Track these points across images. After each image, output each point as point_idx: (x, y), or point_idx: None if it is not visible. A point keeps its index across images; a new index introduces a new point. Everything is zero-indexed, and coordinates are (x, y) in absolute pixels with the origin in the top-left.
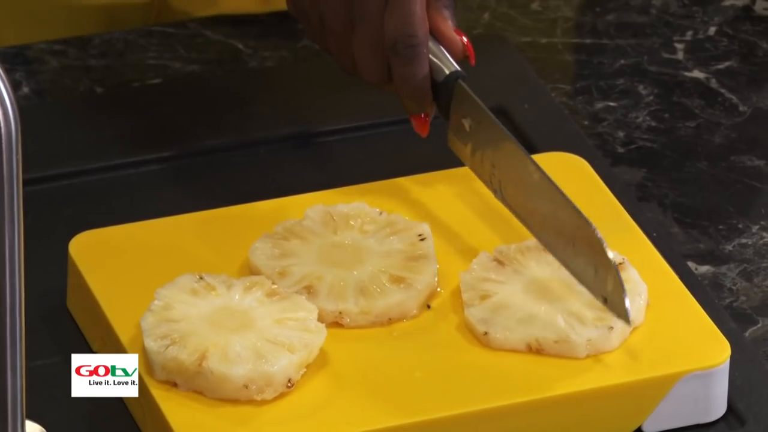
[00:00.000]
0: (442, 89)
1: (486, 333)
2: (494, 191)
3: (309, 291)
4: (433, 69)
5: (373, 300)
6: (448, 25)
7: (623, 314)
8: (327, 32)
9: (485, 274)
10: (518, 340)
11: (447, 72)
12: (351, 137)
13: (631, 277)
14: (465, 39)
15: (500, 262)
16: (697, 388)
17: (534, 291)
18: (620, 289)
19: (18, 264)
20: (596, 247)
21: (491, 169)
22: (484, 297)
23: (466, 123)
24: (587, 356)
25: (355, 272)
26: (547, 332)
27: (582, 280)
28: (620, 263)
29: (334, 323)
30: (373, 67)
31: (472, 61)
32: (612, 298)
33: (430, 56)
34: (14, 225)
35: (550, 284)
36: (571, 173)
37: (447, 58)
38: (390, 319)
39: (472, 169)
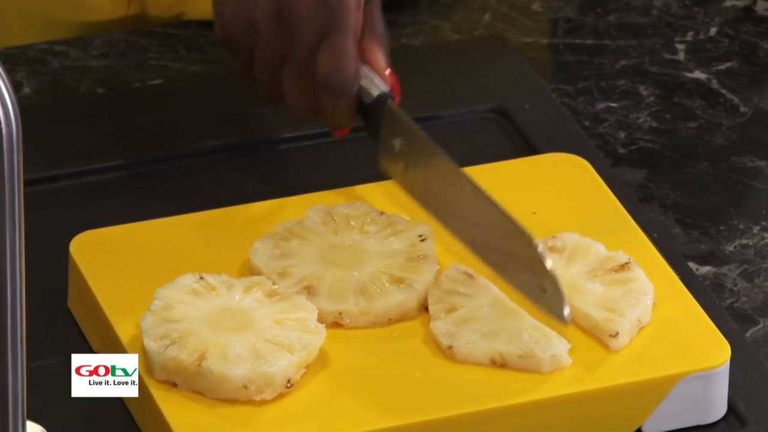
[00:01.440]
0: (370, 111)
1: (450, 347)
2: (428, 210)
3: (309, 291)
4: (362, 91)
5: (373, 300)
6: (379, 60)
7: (560, 316)
8: (257, 63)
9: (454, 287)
10: (482, 354)
11: (375, 94)
12: (351, 138)
13: (637, 276)
14: (391, 75)
15: (470, 275)
16: (697, 389)
17: (501, 305)
18: (558, 291)
19: (19, 264)
20: (532, 253)
21: (424, 188)
22: (450, 310)
23: (396, 143)
24: (552, 371)
25: (355, 273)
26: (512, 347)
27: (522, 290)
28: (626, 263)
29: (334, 324)
30: (301, 100)
31: (396, 100)
32: (549, 300)
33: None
34: (15, 225)
35: (516, 299)
36: (572, 174)
37: (375, 80)
38: (390, 319)
39: (405, 190)
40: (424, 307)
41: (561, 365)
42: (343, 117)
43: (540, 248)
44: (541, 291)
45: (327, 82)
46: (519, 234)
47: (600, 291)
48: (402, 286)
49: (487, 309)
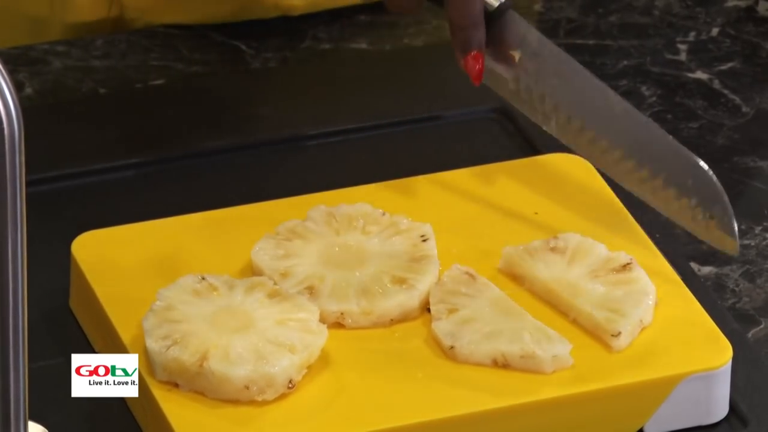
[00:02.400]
0: (490, 20)
1: (452, 347)
2: (546, 124)
3: (311, 291)
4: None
5: (375, 301)
6: None
7: (731, 234)
8: None
9: (455, 288)
10: (484, 354)
11: (496, 3)
12: (353, 138)
13: (639, 277)
14: None
15: (471, 276)
16: (699, 389)
17: (502, 306)
18: (728, 210)
19: (21, 264)
20: (701, 174)
21: (545, 101)
22: (452, 311)
23: (516, 54)
24: (553, 371)
25: (357, 273)
26: (514, 347)
27: (674, 210)
28: (628, 263)
29: (336, 324)
30: None
31: None
32: (719, 219)
33: None
34: (17, 225)
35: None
36: (574, 174)
37: None
38: (392, 319)
39: (514, 102)
40: (426, 308)
41: (563, 365)
42: (472, 12)
43: (709, 170)
44: (709, 218)
45: None
46: (680, 154)
47: (602, 291)
48: (404, 286)
49: (488, 309)
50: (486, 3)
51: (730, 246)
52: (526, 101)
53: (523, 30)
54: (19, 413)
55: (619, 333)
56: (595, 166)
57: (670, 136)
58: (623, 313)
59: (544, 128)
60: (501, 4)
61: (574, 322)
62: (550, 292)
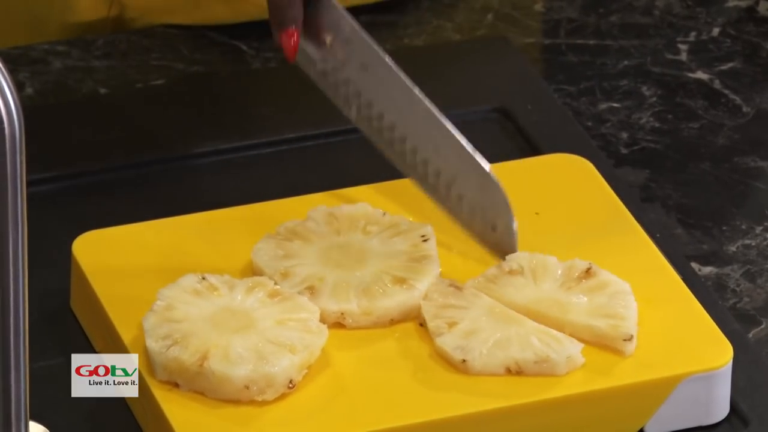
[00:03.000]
0: (308, 1)
1: (464, 360)
2: (347, 109)
3: (311, 292)
4: None
5: (375, 301)
6: None
7: (511, 238)
8: None
9: (445, 301)
10: (498, 364)
11: None
12: (354, 138)
13: (609, 279)
14: None
15: (457, 287)
16: (699, 390)
17: (498, 314)
18: (508, 212)
19: (21, 264)
20: (489, 187)
21: (348, 86)
22: (451, 324)
23: (328, 37)
24: (567, 373)
25: (357, 273)
26: (527, 353)
27: (462, 214)
28: (588, 268)
29: (336, 324)
30: None
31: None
32: (500, 225)
33: None
34: (18, 225)
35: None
36: (574, 174)
37: None
38: (392, 319)
39: (321, 84)
40: (419, 323)
41: (576, 365)
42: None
43: (493, 176)
44: (491, 229)
45: None
46: (473, 164)
47: (585, 301)
48: (404, 286)
49: (486, 319)
50: None
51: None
52: (332, 84)
53: (338, 16)
54: (20, 413)
55: (631, 336)
56: (385, 155)
57: (466, 142)
58: (622, 317)
59: (345, 113)
60: None
61: (573, 335)
62: (534, 313)
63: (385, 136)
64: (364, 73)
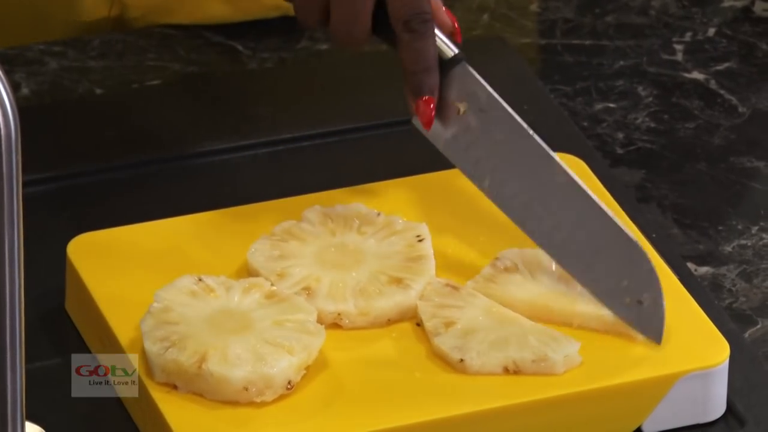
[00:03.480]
0: (443, 69)
1: (462, 360)
2: (479, 184)
3: (308, 292)
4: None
5: (372, 301)
6: (439, 4)
7: (657, 331)
8: None
9: (442, 301)
10: (495, 364)
11: (451, 54)
12: (349, 138)
13: None
14: (453, 19)
15: (453, 287)
16: (696, 388)
17: (495, 313)
18: (660, 303)
19: (17, 266)
20: (636, 259)
21: (481, 162)
22: (448, 324)
23: (462, 106)
24: (565, 372)
25: (353, 273)
26: (525, 353)
27: (601, 293)
28: None
29: (333, 325)
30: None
31: (459, 39)
32: (648, 310)
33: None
34: (14, 226)
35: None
36: None
37: (446, 41)
38: (389, 320)
39: (449, 154)
40: (416, 323)
41: (574, 364)
42: (429, 60)
43: (648, 255)
44: (637, 303)
45: (409, 21)
46: (619, 234)
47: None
48: (400, 286)
49: (483, 318)
50: (441, 51)
51: (654, 337)
52: (462, 156)
53: (473, 84)
54: (16, 414)
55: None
56: (523, 231)
57: (612, 216)
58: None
59: (476, 185)
60: (455, 55)
61: (580, 328)
62: (541, 308)
63: (519, 213)
64: (498, 146)
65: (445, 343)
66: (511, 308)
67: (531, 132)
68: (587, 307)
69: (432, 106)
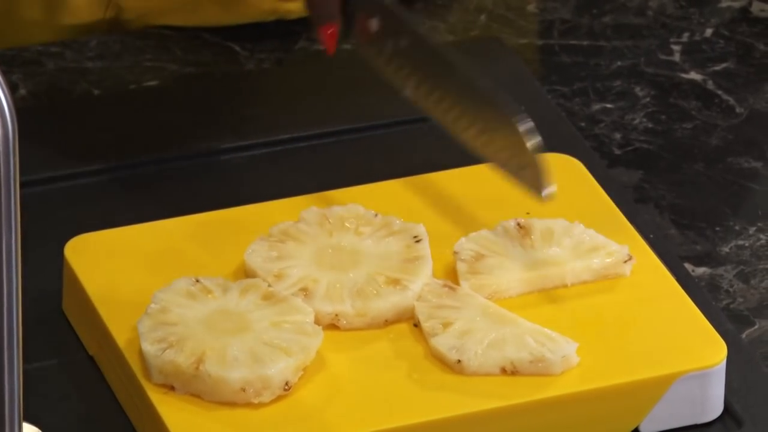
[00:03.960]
0: None
1: (459, 361)
2: (402, 91)
3: (305, 293)
4: None
5: (369, 302)
6: None
7: (539, 186)
8: None
9: (439, 301)
10: (493, 364)
11: None
12: (346, 139)
13: (552, 225)
14: None
15: (451, 287)
16: (693, 388)
17: (493, 314)
18: (536, 165)
19: (15, 266)
20: (517, 135)
21: (400, 67)
22: (446, 324)
23: (373, 23)
24: (562, 373)
25: (350, 274)
26: (522, 353)
27: (500, 163)
28: (525, 225)
29: (331, 325)
30: None
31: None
32: (529, 172)
33: None
34: (11, 227)
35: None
36: (566, 175)
37: None
38: (386, 320)
39: (384, 74)
40: (413, 324)
41: (571, 365)
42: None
43: (522, 125)
44: (520, 168)
45: None
46: (500, 111)
47: (567, 249)
48: (398, 287)
49: (480, 319)
50: None
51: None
52: (390, 71)
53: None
54: (13, 415)
55: (630, 255)
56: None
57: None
58: (606, 245)
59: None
60: None
61: (573, 284)
62: (535, 280)
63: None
64: (406, 52)
65: (442, 343)
66: (509, 291)
67: (422, 29)
68: (576, 263)
69: (332, 32)
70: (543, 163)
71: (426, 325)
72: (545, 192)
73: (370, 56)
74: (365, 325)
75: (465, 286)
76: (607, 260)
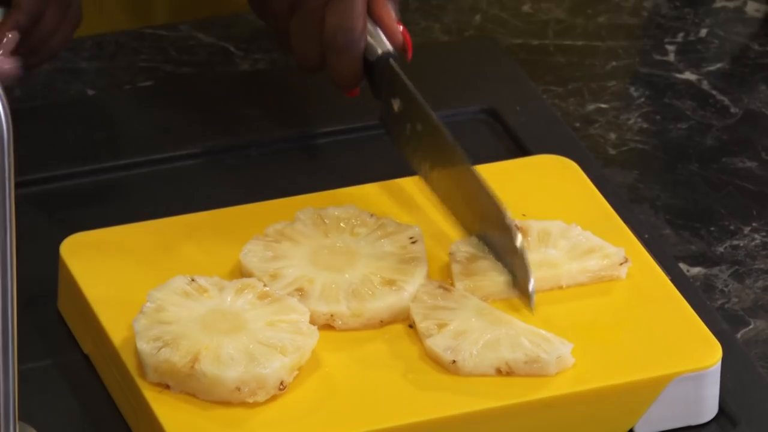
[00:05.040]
0: (374, 69)
1: (454, 361)
2: (422, 174)
3: (301, 293)
4: (368, 49)
5: (365, 302)
6: (390, 15)
7: (526, 296)
8: (269, 10)
9: (435, 302)
10: (488, 365)
11: (379, 53)
12: (342, 139)
13: (547, 227)
14: (403, 30)
15: (446, 289)
16: (688, 389)
17: (488, 314)
18: (526, 272)
19: (10, 266)
20: (507, 233)
21: (418, 151)
22: (441, 325)
23: (395, 104)
24: (557, 373)
25: (346, 275)
26: (517, 354)
27: (502, 262)
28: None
29: (326, 326)
30: (308, 53)
31: (410, 54)
32: (518, 282)
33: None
34: (7, 227)
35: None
36: (562, 176)
37: (381, 38)
38: (381, 321)
39: (401, 151)
40: (408, 324)
41: (566, 366)
42: (349, 75)
43: (516, 234)
44: (511, 266)
45: (333, 40)
46: (498, 213)
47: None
48: (393, 288)
49: (476, 319)
50: (369, 51)
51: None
52: (408, 151)
53: (399, 81)
54: (8, 415)
55: (626, 258)
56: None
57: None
58: (603, 247)
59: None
60: (379, 57)
61: (569, 286)
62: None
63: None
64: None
65: (437, 344)
66: (503, 293)
67: (438, 121)
68: (571, 265)
69: (354, 93)
70: (527, 264)
71: (421, 326)
72: (531, 301)
73: (392, 134)
74: (360, 326)
75: (459, 287)
76: (603, 262)
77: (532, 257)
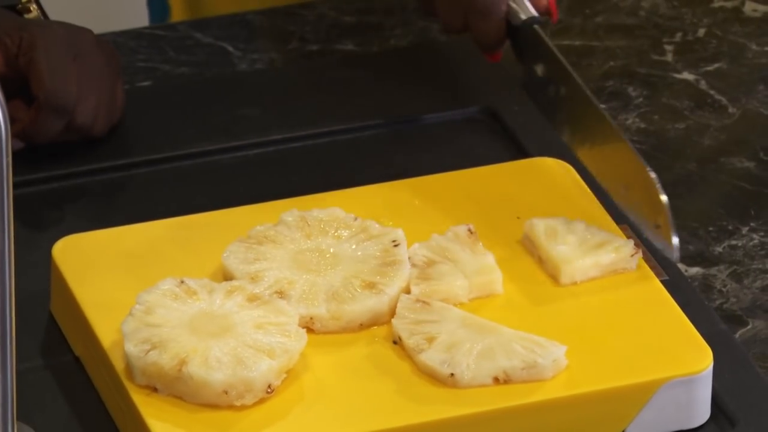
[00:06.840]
0: (517, 34)
1: (452, 374)
2: (565, 138)
3: (281, 296)
4: (512, 14)
5: (344, 305)
6: None
7: (670, 243)
8: None
9: (417, 316)
10: (486, 375)
11: (523, 18)
12: (341, 139)
13: (551, 224)
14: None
15: (425, 302)
16: (679, 394)
17: (472, 324)
18: (668, 223)
19: (7, 267)
20: (650, 188)
21: (561, 114)
22: (430, 339)
23: (539, 68)
24: (553, 377)
25: (327, 277)
26: (514, 361)
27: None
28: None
29: (306, 329)
30: (452, 17)
31: (554, 18)
32: (662, 230)
33: (510, 2)
34: (4, 228)
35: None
36: (556, 178)
37: (525, 3)
38: (361, 324)
39: (544, 113)
40: (393, 341)
41: (561, 368)
42: (491, 38)
43: (659, 186)
44: (655, 227)
45: (475, 3)
46: (642, 171)
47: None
48: (373, 291)
49: (463, 330)
50: (512, 15)
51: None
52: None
53: (544, 47)
54: (7, 415)
55: (636, 249)
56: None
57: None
58: (612, 240)
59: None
60: (524, 21)
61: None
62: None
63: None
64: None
65: (432, 358)
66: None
67: (583, 86)
68: (584, 261)
69: (496, 57)
70: (671, 223)
71: (410, 342)
72: (675, 254)
73: (535, 98)
74: (339, 329)
75: (415, 291)
76: (615, 256)
77: (542, 255)
